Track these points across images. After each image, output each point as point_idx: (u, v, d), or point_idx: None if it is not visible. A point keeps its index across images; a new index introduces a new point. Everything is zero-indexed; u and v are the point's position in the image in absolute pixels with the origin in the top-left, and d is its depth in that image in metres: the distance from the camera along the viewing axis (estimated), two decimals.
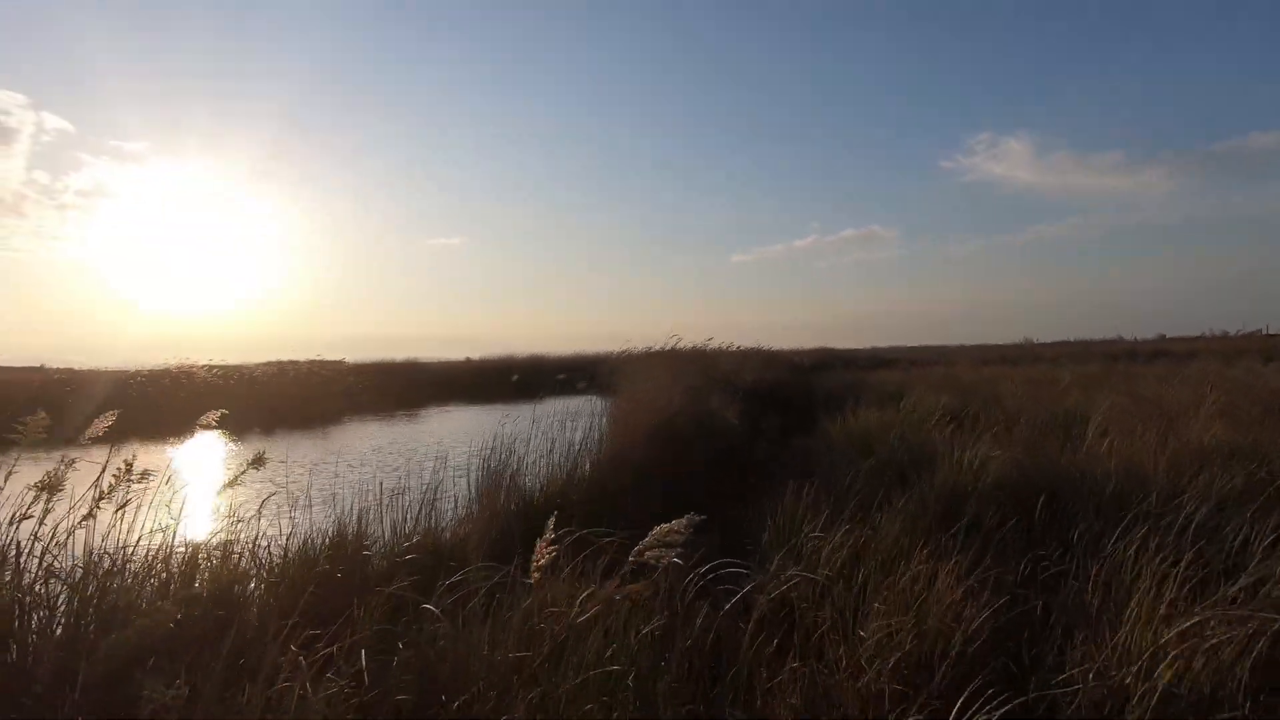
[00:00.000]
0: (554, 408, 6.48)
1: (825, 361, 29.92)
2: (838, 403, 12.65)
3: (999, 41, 57.36)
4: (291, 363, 20.56)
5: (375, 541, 3.66)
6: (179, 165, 46.29)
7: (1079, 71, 56.85)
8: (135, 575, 2.68)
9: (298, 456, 11.87)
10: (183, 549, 2.91)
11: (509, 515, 4.25)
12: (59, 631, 2.42)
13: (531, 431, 5.73)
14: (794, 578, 3.01)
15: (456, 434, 5.30)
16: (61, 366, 19.07)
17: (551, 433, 5.77)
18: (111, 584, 2.56)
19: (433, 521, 4.02)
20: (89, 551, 2.60)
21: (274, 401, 18.19)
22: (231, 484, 3.23)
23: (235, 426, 16.32)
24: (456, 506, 4.46)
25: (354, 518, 3.74)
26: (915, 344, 45.84)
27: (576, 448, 5.51)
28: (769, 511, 4.09)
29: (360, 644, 2.40)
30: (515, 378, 6.47)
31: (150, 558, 2.79)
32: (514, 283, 65.29)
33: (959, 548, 3.22)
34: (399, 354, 25.78)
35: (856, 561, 3.18)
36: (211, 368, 18.48)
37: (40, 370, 19.15)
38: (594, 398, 9.15)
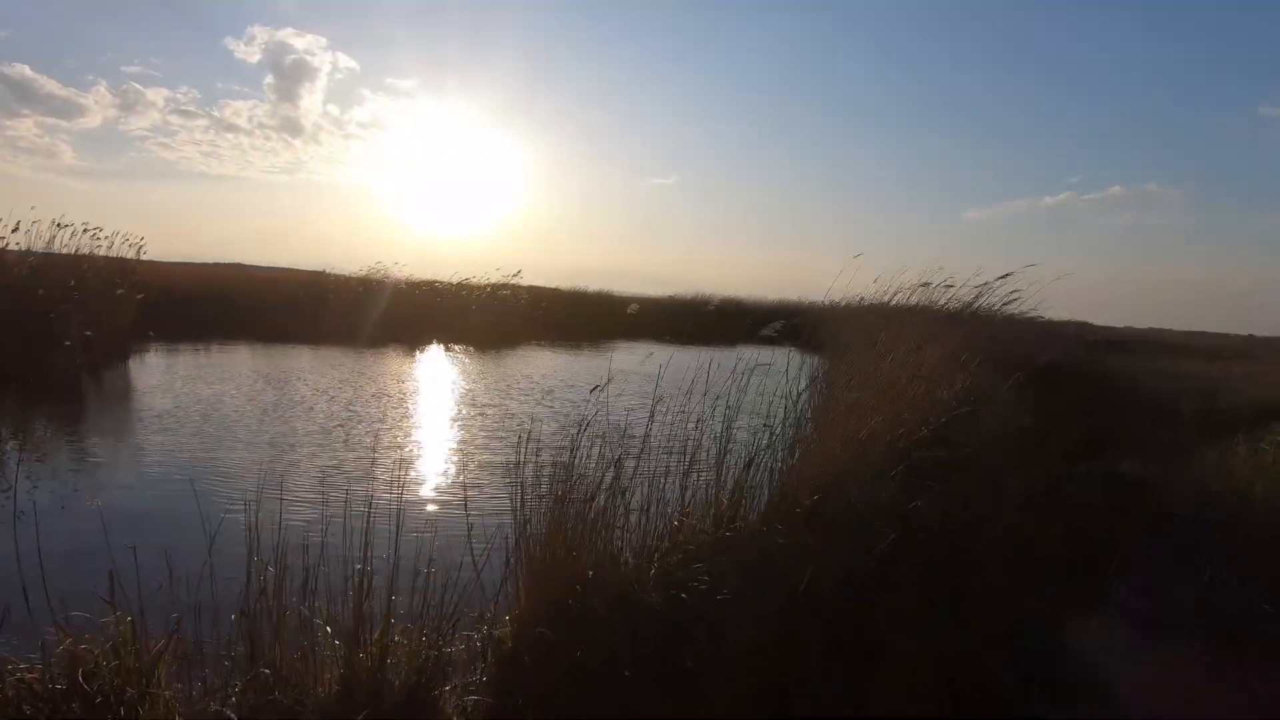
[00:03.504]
0: (745, 357, 3.88)
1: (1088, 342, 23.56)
2: (1164, 407, 8.62)
3: None
4: (491, 285, 19.62)
5: None
6: (440, 103, 50.97)
7: None
8: None
9: (452, 380, 10.57)
10: None
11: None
12: None
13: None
14: None
15: (624, 372, 2.89)
16: (334, 273, 19.08)
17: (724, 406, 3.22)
18: None
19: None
20: None
21: (458, 319, 17.61)
22: None
23: (409, 340, 15.81)
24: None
25: None
26: (1196, 329, 34.90)
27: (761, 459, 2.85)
28: None
29: None
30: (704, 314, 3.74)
31: None
32: (722, 226, 62.42)
33: None
34: (601, 286, 24.07)
35: None
36: (401, 281, 18.39)
37: (321, 274, 19.20)
38: (792, 352, 6.42)
